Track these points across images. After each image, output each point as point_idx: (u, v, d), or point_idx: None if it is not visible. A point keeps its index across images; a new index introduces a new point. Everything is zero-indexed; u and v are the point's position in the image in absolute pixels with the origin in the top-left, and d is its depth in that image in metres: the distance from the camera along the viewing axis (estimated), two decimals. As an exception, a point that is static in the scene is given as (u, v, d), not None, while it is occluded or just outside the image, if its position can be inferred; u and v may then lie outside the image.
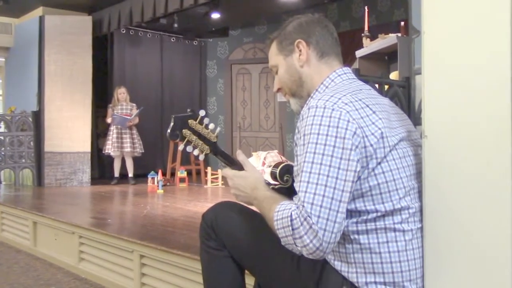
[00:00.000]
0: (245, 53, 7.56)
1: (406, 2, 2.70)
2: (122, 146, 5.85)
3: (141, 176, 6.03)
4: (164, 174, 5.81)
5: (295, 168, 1.18)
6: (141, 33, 7.04)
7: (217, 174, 5.71)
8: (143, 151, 6.02)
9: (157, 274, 2.63)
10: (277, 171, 1.33)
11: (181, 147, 1.33)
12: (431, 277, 1.18)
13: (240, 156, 1.38)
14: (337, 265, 1.20)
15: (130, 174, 5.97)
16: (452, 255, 1.14)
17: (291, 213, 1.10)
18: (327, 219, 1.06)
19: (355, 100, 1.17)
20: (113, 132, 5.85)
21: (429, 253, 1.18)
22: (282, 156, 4.16)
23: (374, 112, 1.17)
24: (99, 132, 6.67)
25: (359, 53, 3.57)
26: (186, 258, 2.39)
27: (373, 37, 3.55)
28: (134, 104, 6.00)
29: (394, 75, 2.99)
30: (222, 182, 5.65)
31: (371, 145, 1.13)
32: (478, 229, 1.10)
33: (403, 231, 1.16)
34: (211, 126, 1.36)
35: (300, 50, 1.33)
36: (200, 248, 1.49)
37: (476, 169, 1.10)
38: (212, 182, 5.71)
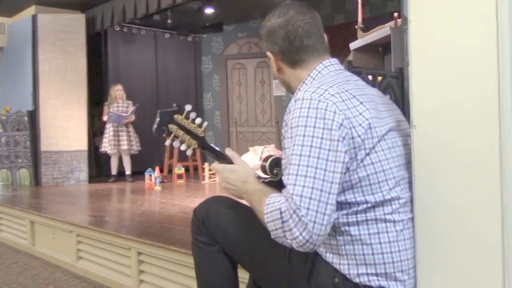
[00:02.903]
0: (240, 48, 7.54)
1: (399, -7, 2.69)
2: (119, 144, 5.84)
3: (138, 173, 6.02)
4: (161, 171, 5.81)
5: (283, 161, 1.18)
6: (135, 30, 7.01)
7: (214, 170, 5.69)
8: (140, 148, 6.00)
9: (155, 270, 2.63)
10: (267, 165, 1.33)
11: (167, 142, 1.32)
12: (423, 267, 1.18)
13: (229, 151, 1.37)
14: (329, 257, 1.20)
15: (128, 172, 5.96)
16: (444, 245, 1.14)
17: (280, 206, 1.09)
18: (317, 211, 1.06)
19: (341, 91, 1.16)
20: (109, 130, 5.83)
21: (420, 243, 1.18)
22: (279, 150, 4.15)
23: (361, 103, 1.16)
24: (95, 130, 6.65)
25: (353, 45, 3.55)
26: (183, 254, 2.39)
27: (367, 29, 3.53)
28: (130, 102, 5.98)
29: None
30: (220, 177, 5.64)
31: (359, 135, 1.12)
32: (469, 218, 1.09)
33: (394, 221, 1.16)
34: (198, 120, 1.35)
35: (272, 61, 1.34)
36: (192, 243, 1.49)
37: (466, 158, 1.09)
38: (209, 177, 5.71)
